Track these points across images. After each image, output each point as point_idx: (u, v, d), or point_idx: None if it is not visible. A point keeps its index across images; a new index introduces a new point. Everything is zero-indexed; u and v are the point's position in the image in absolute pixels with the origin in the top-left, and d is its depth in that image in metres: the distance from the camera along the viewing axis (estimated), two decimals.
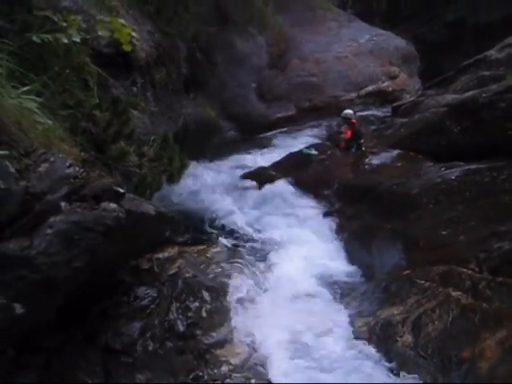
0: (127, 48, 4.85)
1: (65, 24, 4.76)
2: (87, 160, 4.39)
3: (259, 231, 8.46)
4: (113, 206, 3.74)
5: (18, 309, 3.19)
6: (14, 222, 3.34)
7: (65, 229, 3.46)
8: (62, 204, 3.51)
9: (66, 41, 4.62)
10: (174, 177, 5.97)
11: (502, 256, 5.37)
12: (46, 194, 3.46)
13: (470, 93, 10.17)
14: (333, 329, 5.60)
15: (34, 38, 4.54)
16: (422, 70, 17.89)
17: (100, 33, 4.87)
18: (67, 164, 3.67)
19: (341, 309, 6.08)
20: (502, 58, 10.97)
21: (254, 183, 10.20)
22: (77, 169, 3.70)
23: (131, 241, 4.45)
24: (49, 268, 3.30)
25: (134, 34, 4.93)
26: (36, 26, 4.69)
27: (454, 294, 5.07)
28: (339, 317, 5.86)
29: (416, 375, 4.54)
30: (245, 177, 10.70)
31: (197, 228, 8.66)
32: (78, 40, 4.72)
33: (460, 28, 20.74)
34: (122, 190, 3.90)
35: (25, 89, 3.95)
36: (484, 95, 9.58)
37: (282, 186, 9.85)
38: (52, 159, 3.59)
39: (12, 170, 3.34)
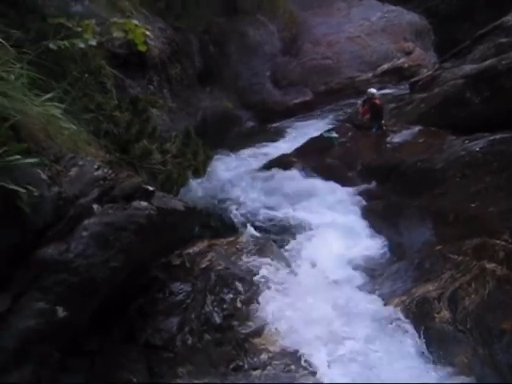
0: (142, 48, 4.86)
1: (79, 29, 4.79)
2: (113, 161, 4.44)
3: (286, 218, 8.47)
4: (143, 204, 3.79)
5: (60, 312, 3.26)
6: (50, 227, 3.41)
7: (99, 230, 3.53)
8: (95, 206, 3.57)
9: (82, 45, 4.65)
10: (199, 170, 6.00)
11: None
12: (78, 197, 3.53)
13: (488, 61, 10.04)
14: (367, 311, 5.57)
15: (51, 46, 4.57)
16: (436, 44, 17.61)
17: (115, 34, 4.89)
18: (95, 166, 3.72)
19: (374, 290, 6.06)
20: None
21: (278, 171, 10.17)
22: (105, 170, 3.76)
23: (162, 238, 4.49)
24: (86, 270, 3.37)
25: (148, 33, 4.93)
26: (51, 34, 4.73)
27: (488, 266, 5.03)
28: (373, 298, 5.84)
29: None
30: (267, 165, 10.68)
31: (224, 220, 8.71)
32: (94, 44, 4.74)
33: None
34: (151, 188, 3.94)
35: (47, 96, 4.00)
36: (503, 62, 9.43)
37: (306, 171, 9.82)
38: (81, 163, 3.65)
39: (44, 176, 3.41)
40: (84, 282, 3.39)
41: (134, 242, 3.67)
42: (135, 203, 3.73)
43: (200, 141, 6.05)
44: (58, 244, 3.36)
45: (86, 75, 5.02)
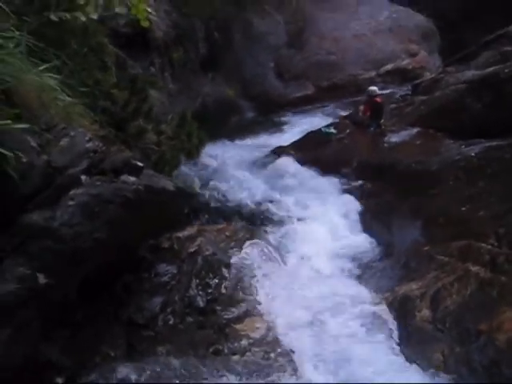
0: (144, 24, 4.85)
1: (82, 2, 4.78)
2: (107, 137, 4.44)
3: (279, 209, 8.47)
4: (132, 179, 3.81)
5: (42, 279, 3.28)
6: (37, 194, 3.42)
7: (86, 201, 3.55)
8: (83, 177, 3.58)
9: (83, 18, 4.64)
10: (192, 153, 6.01)
11: None
12: (67, 167, 3.54)
13: (492, 68, 10.01)
14: (351, 305, 5.61)
15: (52, 17, 4.56)
16: (442, 47, 17.58)
17: (117, 9, 4.88)
18: (87, 138, 3.74)
19: (360, 285, 6.10)
20: None
21: (273, 162, 10.19)
22: (96, 143, 3.77)
23: (151, 216, 4.51)
24: (72, 239, 3.40)
25: (149, 9, 4.92)
26: (53, 5, 4.72)
27: (472, 268, 5.08)
28: (358, 293, 5.88)
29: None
30: (264, 156, 10.70)
31: (217, 207, 8.71)
32: (95, 17, 4.74)
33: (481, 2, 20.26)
34: (140, 164, 3.96)
35: (44, 66, 4.01)
36: (506, 70, 9.43)
37: (302, 164, 9.83)
38: (72, 134, 3.66)
39: (34, 144, 3.42)
40: (68, 251, 3.42)
41: (120, 215, 3.69)
42: (123, 177, 3.76)
43: (195, 124, 6.05)
44: (44, 211, 3.38)
45: (85, 49, 5.01)
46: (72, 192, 3.50)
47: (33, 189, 3.42)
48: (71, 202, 3.49)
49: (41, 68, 4.01)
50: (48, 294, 3.39)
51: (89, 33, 5.50)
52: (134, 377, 4.12)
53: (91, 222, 3.54)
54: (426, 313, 4.95)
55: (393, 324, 5.15)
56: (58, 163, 3.50)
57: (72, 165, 3.57)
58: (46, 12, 4.57)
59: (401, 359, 4.76)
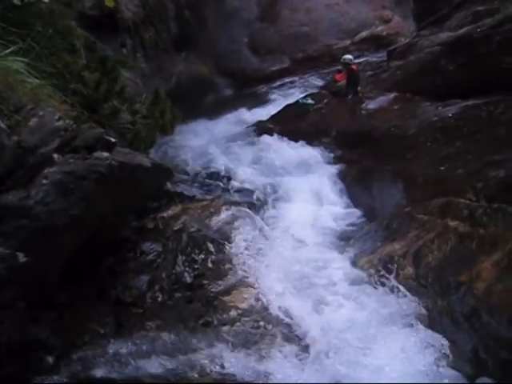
0: (110, 4, 4.80)
1: None
2: (80, 118, 4.42)
3: (260, 182, 8.52)
4: (105, 154, 3.80)
5: (21, 257, 3.29)
6: (10, 176, 3.42)
7: (59, 179, 3.55)
8: (55, 156, 3.58)
9: (46, 0, 4.58)
10: (166, 129, 6.00)
11: (497, 184, 5.43)
12: (38, 147, 3.53)
13: (465, 29, 10.05)
14: (336, 269, 5.69)
15: (15, 1, 4.51)
16: (416, 12, 17.53)
17: None
18: (56, 117, 3.72)
19: (345, 251, 6.17)
20: None
21: (253, 137, 10.21)
22: (67, 121, 3.75)
23: (129, 193, 4.52)
24: (47, 216, 3.40)
25: None
26: None
27: (451, 223, 5.15)
28: (343, 257, 5.97)
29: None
30: (243, 131, 10.71)
31: (200, 184, 8.73)
32: None
33: None
34: (113, 140, 3.95)
35: (9, 50, 3.97)
36: (478, 30, 9.47)
37: (281, 137, 9.86)
38: (41, 113, 3.63)
39: (3, 125, 3.40)
40: (44, 229, 3.43)
41: (95, 191, 3.70)
42: (97, 153, 3.75)
43: (168, 101, 6.04)
44: (18, 191, 3.39)
45: (51, 31, 4.94)
46: (45, 171, 3.50)
47: (5, 170, 3.41)
48: (45, 181, 3.48)
49: (6, 52, 3.97)
50: (29, 273, 3.40)
51: (55, 16, 5.43)
52: (124, 352, 4.16)
53: (66, 199, 3.54)
54: (409, 270, 5.03)
55: (378, 283, 5.22)
56: (29, 143, 3.49)
57: (43, 144, 3.56)
58: None
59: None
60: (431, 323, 4.37)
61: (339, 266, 5.77)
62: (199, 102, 12.04)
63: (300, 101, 11.08)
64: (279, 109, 11.36)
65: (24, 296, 3.55)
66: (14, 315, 3.50)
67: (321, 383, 4.16)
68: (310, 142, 9.55)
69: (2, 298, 3.30)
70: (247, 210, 7.08)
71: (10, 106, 3.51)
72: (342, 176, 8.39)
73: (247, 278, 5.58)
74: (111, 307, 4.91)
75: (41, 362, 3.93)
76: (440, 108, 8.76)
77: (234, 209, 6.87)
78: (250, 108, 12.72)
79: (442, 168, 6.74)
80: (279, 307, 5.15)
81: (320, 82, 13.77)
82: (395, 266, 5.18)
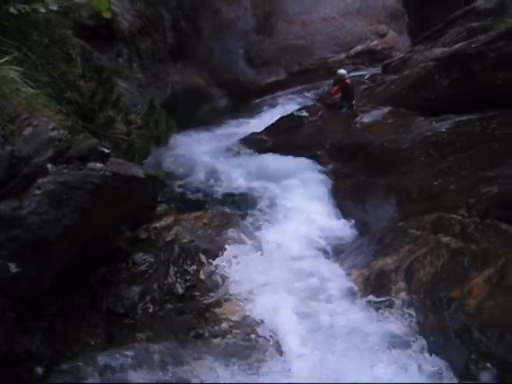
0: (106, 15, 4.78)
1: None
2: (74, 127, 4.41)
3: (254, 194, 8.55)
4: (99, 165, 3.80)
5: (13, 268, 3.27)
6: (4, 185, 3.40)
7: (53, 189, 3.54)
8: (49, 166, 3.57)
9: (43, 10, 4.58)
10: (161, 139, 6.00)
11: (490, 199, 5.47)
12: (32, 157, 3.52)
13: (459, 45, 10.14)
14: (328, 284, 5.67)
15: (12, 10, 4.51)
16: (410, 27, 17.71)
17: (77, 0, 4.82)
18: (51, 127, 3.70)
19: (337, 264, 6.17)
20: (491, 8, 10.90)
21: (247, 148, 10.24)
22: (61, 132, 3.74)
23: (123, 204, 4.51)
24: (40, 227, 3.39)
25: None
26: None
27: (444, 239, 5.16)
28: (335, 271, 5.95)
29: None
30: (237, 143, 10.73)
31: (193, 195, 8.73)
32: (55, 8, 4.68)
33: None
34: (107, 150, 3.94)
35: (4, 59, 3.96)
36: (473, 46, 9.54)
37: (275, 149, 9.89)
38: (35, 123, 3.62)
39: None
40: (37, 239, 3.41)
41: (88, 201, 3.68)
42: (90, 164, 3.74)
43: (163, 111, 6.05)
44: (11, 201, 3.37)
45: (47, 41, 4.94)
46: (39, 181, 3.49)
47: None
48: (38, 191, 3.47)
49: (2, 61, 3.97)
50: (20, 283, 3.38)
51: (51, 25, 5.43)
52: (114, 363, 4.13)
53: (59, 210, 3.53)
54: (401, 285, 5.03)
55: (370, 297, 5.21)
56: (22, 152, 3.47)
57: (37, 154, 3.55)
58: (5, 5, 4.50)
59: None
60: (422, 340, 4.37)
61: (331, 279, 5.75)
62: (193, 113, 12.06)
63: (295, 113, 11.12)
64: (274, 121, 11.37)
65: (15, 307, 3.52)
66: (3, 327, 3.47)
67: (321, 383, 4.19)
68: (304, 155, 9.57)
69: None
70: (239, 221, 7.08)
71: (5, 116, 3.50)
72: (336, 189, 8.42)
73: (239, 290, 5.56)
74: (102, 318, 4.89)
75: (30, 373, 3.89)
76: (434, 123, 8.81)
77: (226, 220, 6.87)
78: (244, 119, 12.78)
79: (435, 183, 6.77)
80: (270, 320, 5.12)
81: (315, 95, 13.84)
82: (387, 280, 5.18)
